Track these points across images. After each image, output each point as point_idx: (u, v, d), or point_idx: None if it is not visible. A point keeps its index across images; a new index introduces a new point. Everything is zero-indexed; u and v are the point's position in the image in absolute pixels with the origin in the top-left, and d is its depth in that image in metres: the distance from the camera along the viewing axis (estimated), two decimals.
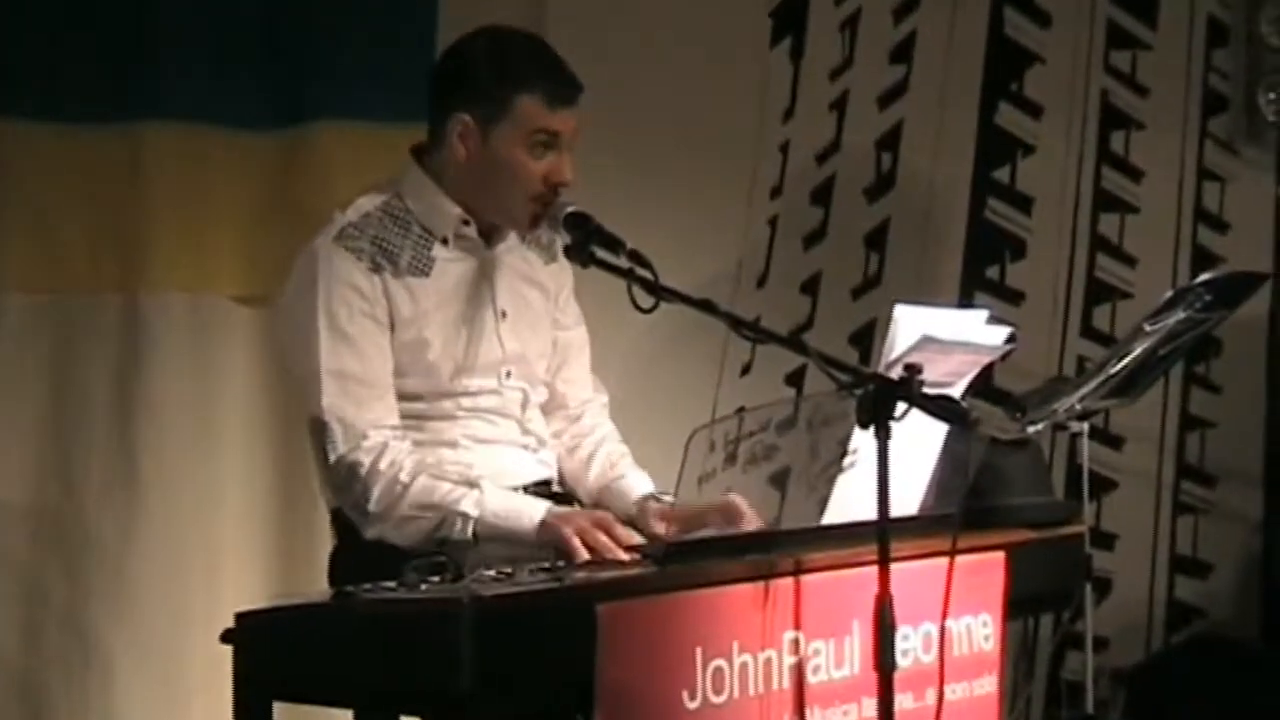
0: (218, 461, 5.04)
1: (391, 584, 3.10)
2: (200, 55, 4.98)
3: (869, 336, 5.65)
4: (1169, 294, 4.33)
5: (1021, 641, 5.49)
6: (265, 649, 3.09)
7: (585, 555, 3.37)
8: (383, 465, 3.54)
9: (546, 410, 3.89)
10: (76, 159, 4.90)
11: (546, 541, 3.45)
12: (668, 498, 3.74)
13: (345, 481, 3.57)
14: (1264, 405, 5.72)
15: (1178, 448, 5.83)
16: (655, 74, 5.54)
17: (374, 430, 3.57)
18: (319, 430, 3.58)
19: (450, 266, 3.70)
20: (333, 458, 3.57)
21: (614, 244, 3.52)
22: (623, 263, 3.48)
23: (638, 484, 3.83)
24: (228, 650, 3.14)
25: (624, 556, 3.37)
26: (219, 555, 5.02)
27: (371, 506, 3.54)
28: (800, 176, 5.84)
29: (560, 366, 3.90)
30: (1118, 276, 5.86)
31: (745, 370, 5.69)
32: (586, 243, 3.56)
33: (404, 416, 3.65)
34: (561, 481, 3.90)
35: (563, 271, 3.87)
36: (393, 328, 3.63)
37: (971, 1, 5.85)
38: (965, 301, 5.72)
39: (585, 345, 3.96)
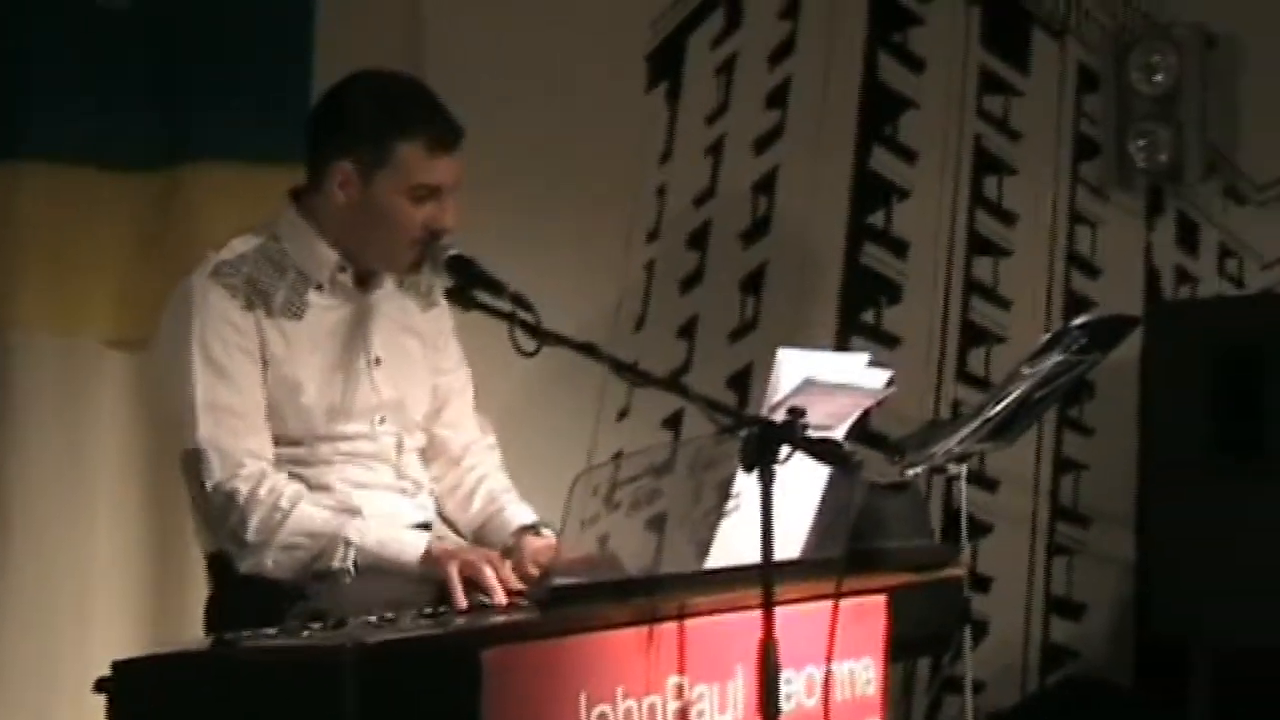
0: (89, 508, 4.98)
1: (272, 631, 3.05)
2: (75, 93, 4.94)
3: (746, 380, 5.66)
4: (1046, 337, 4.36)
5: (901, 685, 5.51)
6: (142, 699, 3.02)
7: (462, 598, 3.34)
8: (261, 493, 3.50)
9: (430, 455, 3.86)
10: None
11: (428, 574, 3.41)
12: (548, 531, 3.71)
13: (222, 510, 3.52)
14: (1135, 447, 5.78)
15: (1052, 490, 5.88)
16: (532, 117, 5.54)
17: (251, 459, 3.53)
18: (194, 461, 3.54)
19: (324, 312, 3.66)
20: (209, 486, 3.52)
21: (496, 287, 3.50)
22: (505, 306, 3.46)
23: (517, 515, 3.80)
24: (99, 700, 3.07)
25: (502, 598, 3.34)
26: (90, 603, 4.95)
27: (249, 535, 3.49)
28: (677, 220, 5.86)
29: (441, 410, 3.87)
30: (992, 320, 5.91)
31: (622, 414, 5.69)
32: (468, 286, 3.54)
33: (280, 461, 3.61)
34: (444, 520, 3.86)
35: (441, 317, 3.84)
36: (265, 365, 3.59)
37: (846, 47, 5.89)
38: (841, 345, 5.75)
39: (467, 387, 3.93)
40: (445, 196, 3.63)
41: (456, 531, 3.90)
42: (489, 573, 3.36)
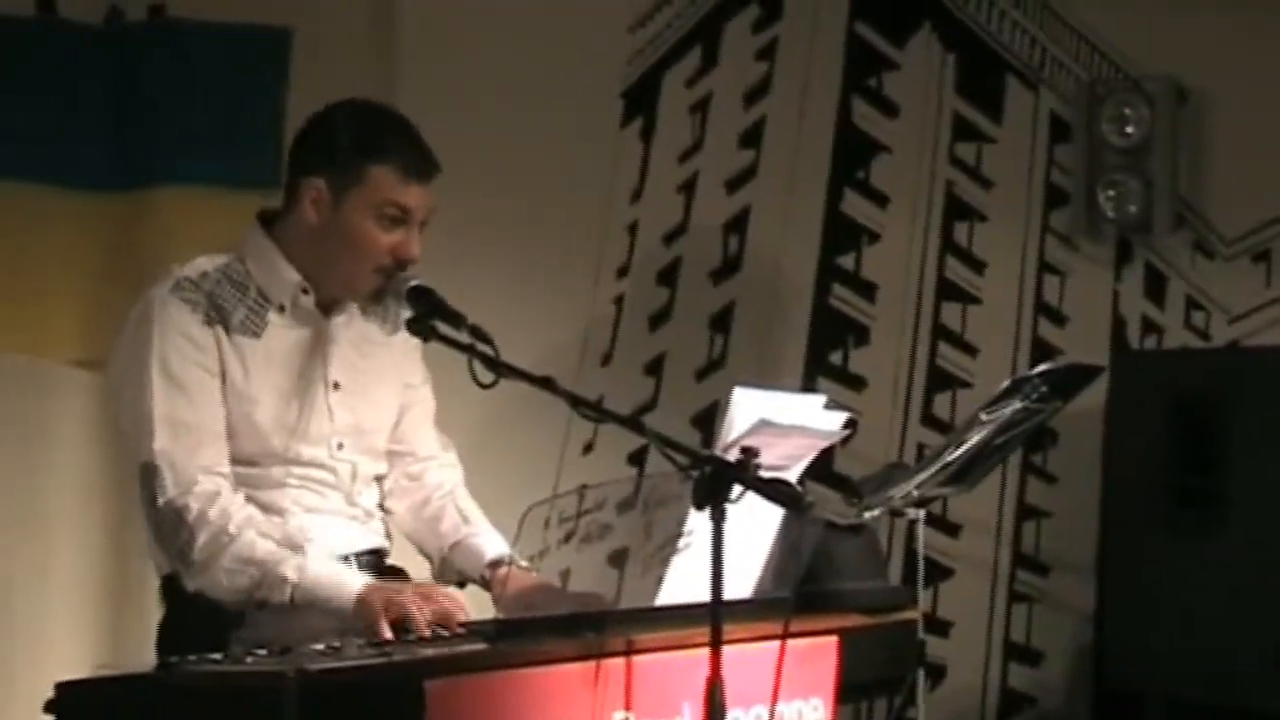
0: (48, 527, 4.97)
1: (217, 655, 3.06)
2: (42, 114, 4.94)
3: (712, 418, 5.66)
4: (1005, 384, 4.37)
5: None
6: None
7: (386, 634, 3.33)
8: (211, 514, 3.49)
9: (389, 466, 3.85)
10: None
11: (360, 615, 3.41)
12: (522, 561, 3.69)
13: (171, 527, 3.51)
14: (1098, 496, 5.80)
15: (1014, 537, 5.90)
16: (505, 150, 5.56)
17: (205, 476, 3.53)
18: (149, 475, 3.53)
19: (283, 332, 3.66)
20: (161, 501, 3.52)
21: (456, 319, 3.51)
22: (464, 338, 3.47)
23: (490, 545, 3.79)
24: None
25: (426, 632, 3.32)
26: (46, 622, 4.94)
27: (195, 554, 3.49)
28: (647, 257, 5.88)
29: (400, 421, 3.87)
30: (958, 366, 5.93)
31: (588, 449, 5.70)
32: (428, 317, 3.55)
33: (235, 480, 3.60)
34: (408, 539, 3.85)
35: (408, 340, 3.82)
36: (223, 381, 3.59)
37: (821, 89, 5.92)
38: (808, 386, 5.76)
39: (428, 403, 3.92)
40: (413, 226, 3.65)
41: (422, 551, 3.89)
42: (416, 614, 3.35)
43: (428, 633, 3.33)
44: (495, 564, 3.74)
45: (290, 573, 3.46)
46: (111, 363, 3.71)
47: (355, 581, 3.47)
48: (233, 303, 3.62)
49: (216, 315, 3.60)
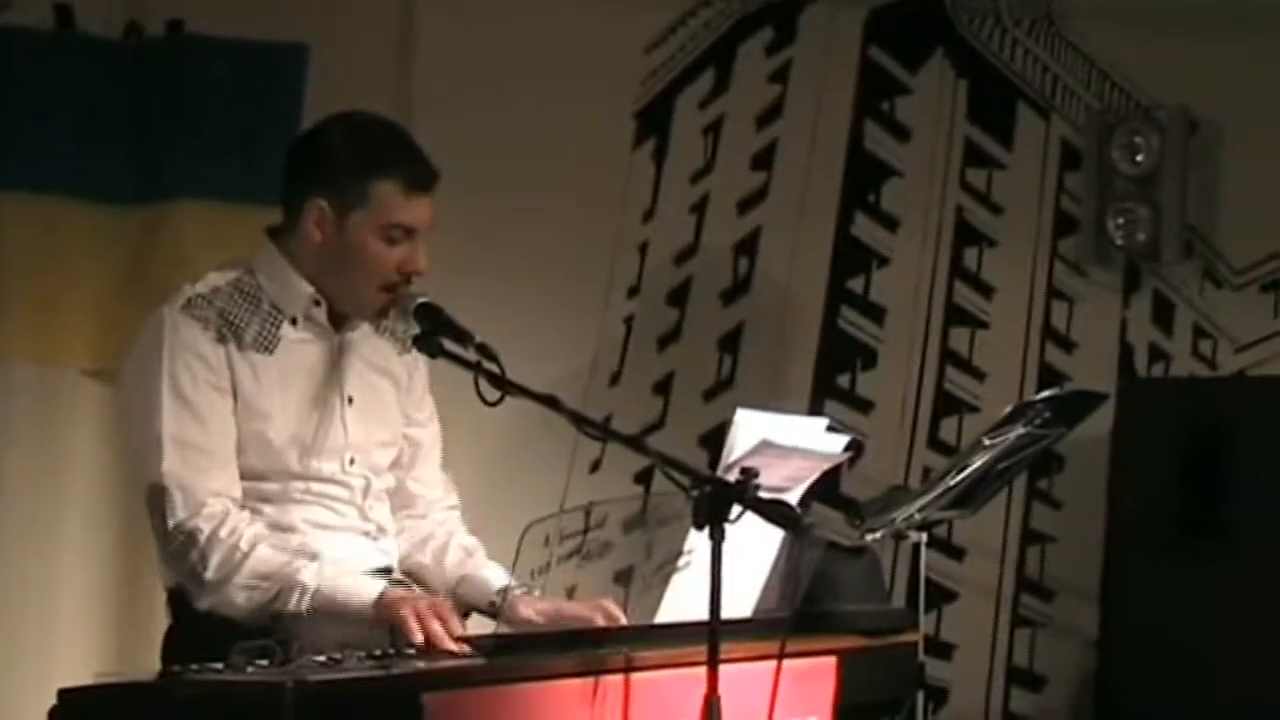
0: (58, 535, 5.01)
1: (219, 665, 3.09)
2: (61, 127, 4.99)
3: (719, 438, 5.60)
4: (1009, 409, 4.40)
5: None
6: None
7: (420, 637, 3.37)
8: (222, 533, 3.52)
9: (394, 505, 3.88)
10: None
11: (381, 619, 3.44)
12: (526, 590, 3.70)
13: (182, 549, 3.54)
14: (1103, 522, 5.80)
15: (1018, 561, 5.91)
16: (518, 169, 5.60)
17: (213, 498, 3.55)
18: (157, 496, 3.56)
19: (297, 347, 3.68)
20: (171, 524, 3.54)
21: (463, 336, 3.54)
22: (471, 355, 3.50)
23: (496, 576, 3.80)
24: None
25: (454, 647, 3.36)
26: (54, 629, 4.98)
27: (209, 575, 3.51)
28: (657, 277, 5.91)
29: (411, 464, 3.89)
30: (966, 390, 5.94)
31: (595, 467, 5.72)
32: (435, 334, 3.57)
33: (247, 497, 3.63)
34: (406, 573, 3.88)
35: (416, 363, 3.84)
36: (235, 399, 3.62)
37: (833, 113, 5.95)
38: (816, 408, 5.78)
39: (437, 443, 3.94)
40: (419, 238, 3.66)
41: (419, 582, 3.91)
42: (435, 626, 3.38)
43: (449, 643, 3.35)
44: (504, 591, 3.74)
45: (308, 579, 3.48)
46: (122, 380, 3.73)
47: (373, 587, 3.50)
48: (246, 317, 3.64)
49: (229, 331, 3.61)
